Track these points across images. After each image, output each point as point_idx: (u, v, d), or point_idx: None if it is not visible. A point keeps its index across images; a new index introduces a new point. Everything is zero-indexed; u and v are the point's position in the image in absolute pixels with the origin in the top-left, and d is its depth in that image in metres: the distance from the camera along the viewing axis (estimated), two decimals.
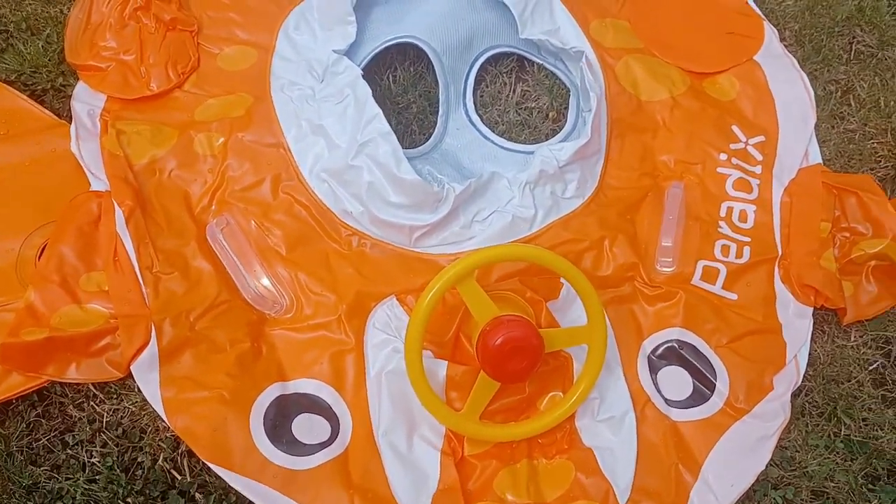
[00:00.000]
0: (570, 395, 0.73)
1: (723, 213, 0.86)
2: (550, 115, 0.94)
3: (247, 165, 0.81)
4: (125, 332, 0.72)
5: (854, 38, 1.04)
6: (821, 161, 0.91)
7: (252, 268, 0.77)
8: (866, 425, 0.80)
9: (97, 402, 0.73)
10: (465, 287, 0.69)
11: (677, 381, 0.78)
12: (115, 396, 0.74)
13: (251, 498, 0.68)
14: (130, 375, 0.72)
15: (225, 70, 0.88)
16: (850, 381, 0.82)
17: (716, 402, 0.77)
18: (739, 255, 0.83)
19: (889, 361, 0.84)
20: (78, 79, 0.86)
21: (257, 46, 0.89)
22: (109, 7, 0.87)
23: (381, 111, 0.78)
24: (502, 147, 0.90)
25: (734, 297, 0.82)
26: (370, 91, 0.79)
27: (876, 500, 0.76)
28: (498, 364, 0.68)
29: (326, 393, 0.74)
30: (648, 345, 0.79)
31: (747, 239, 0.84)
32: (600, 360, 0.72)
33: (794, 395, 0.80)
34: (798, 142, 0.91)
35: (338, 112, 0.80)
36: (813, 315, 0.82)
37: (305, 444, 0.71)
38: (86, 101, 0.84)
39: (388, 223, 0.78)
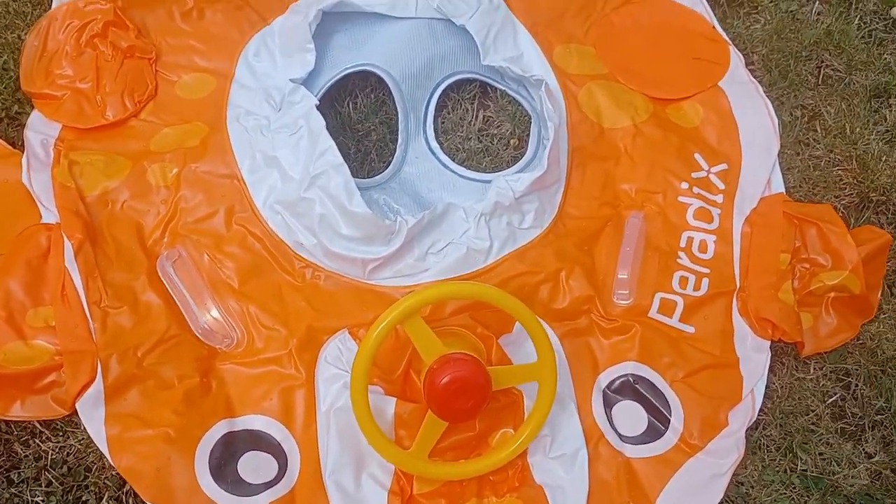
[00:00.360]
0: (520, 434, 0.72)
1: (683, 244, 0.85)
2: (512, 142, 0.93)
3: (200, 197, 0.81)
4: (70, 368, 0.71)
5: (822, 62, 1.03)
6: (783, 190, 0.90)
7: (203, 301, 0.77)
8: (823, 460, 0.79)
9: (42, 439, 0.73)
10: (411, 325, 0.68)
11: (632, 417, 0.77)
12: (60, 433, 0.73)
13: None
14: (77, 412, 0.72)
15: (183, 98, 0.87)
16: (808, 415, 0.81)
17: (670, 438, 0.76)
18: (698, 286, 0.83)
19: (848, 394, 0.83)
20: (33, 107, 0.86)
21: (216, 74, 0.88)
22: (66, 34, 0.87)
23: (333, 143, 0.77)
24: (461, 176, 0.89)
25: (691, 330, 0.81)
26: (324, 123, 0.78)
27: None
28: (445, 403, 0.68)
29: (275, 429, 0.73)
30: (604, 379, 0.79)
31: (706, 270, 0.84)
32: (550, 397, 0.71)
33: (751, 430, 0.79)
34: (761, 170, 0.90)
35: (291, 143, 0.80)
36: (771, 348, 0.82)
37: (251, 484, 0.70)
38: (40, 130, 0.84)
39: (340, 256, 0.78)
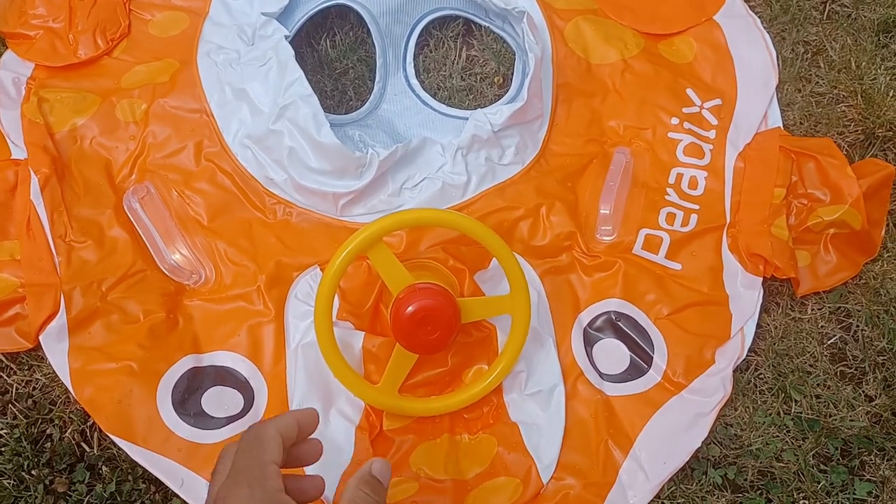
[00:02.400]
0: (493, 369, 0.69)
1: (672, 180, 0.82)
2: (496, 80, 0.90)
3: (169, 132, 0.79)
4: (33, 300, 0.70)
5: None
6: (781, 125, 0.86)
7: (171, 238, 0.75)
8: (820, 402, 0.75)
9: (8, 373, 0.72)
10: (377, 254, 0.65)
11: (613, 355, 0.74)
12: (26, 367, 0.72)
13: (152, 471, 0.66)
14: (41, 345, 0.71)
15: (156, 36, 0.85)
16: (803, 356, 0.77)
17: (653, 377, 0.73)
18: (685, 223, 0.79)
19: (849, 335, 0.79)
20: (7, 47, 0.85)
21: (190, 12, 0.86)
22: None
23: (302, 74, 0.75)
24: (440, 112, 0.86)
25: (678, 266, 0.77)
26: (293, 53, 0.76)
27: (825, 481, 0.72)
28: (411, 334, 0.65)
29: (244, 366, 0.71)
30: (585, 317, 0.75)
31: (695, 206, 0.80)
32: (524, 330, 0.68)
33: (742, 371, 0.76)
34: (757, 105, 0.86)
35: (261, 76, 0.77)
36: (765, 286, 0.78)
37: (213, 417, 0.68)
38: (12, 69, 0.82)
39: (311, 190, 0.75)
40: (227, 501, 0.43)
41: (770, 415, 0.74)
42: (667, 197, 0.80)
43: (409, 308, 0.64)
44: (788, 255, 0.76)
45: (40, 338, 0.70)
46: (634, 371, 0.73)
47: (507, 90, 0.89)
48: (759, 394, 0.75)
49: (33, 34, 0.84)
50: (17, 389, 0.71)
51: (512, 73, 0.90)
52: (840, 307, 0.80)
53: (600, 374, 0.73)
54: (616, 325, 0.75)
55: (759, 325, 0.77)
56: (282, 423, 0.47)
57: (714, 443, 0.72)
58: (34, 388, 0.72)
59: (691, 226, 0.79)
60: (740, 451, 0.73)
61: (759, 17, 0.93)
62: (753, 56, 0.89)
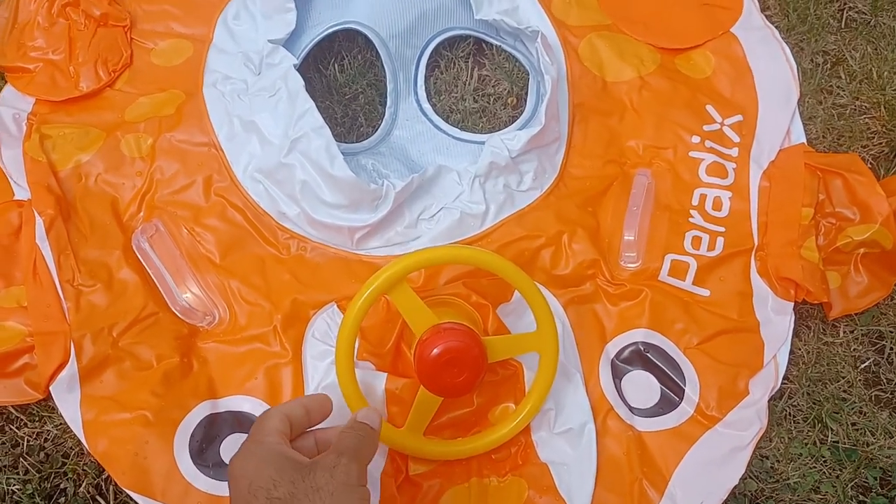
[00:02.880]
0: (521, 408, 0.67)
1: (695, 202, 0.79)
2: (510, 101, 0.87)
3: (176, 167, 0.76)
4: (42, 350, 0.67)
5: (845, 4, 0.95)
6: (805, 140, 0.83)
7: (181, 277, 0.72)
8: (856, 430, 0.73)
9: (18, 425, 0.69)
10: (399, 294, 0.63)
11: (643, 388, 0.72)
12: (37, 419, 0.69)
13: None
14: (51, 396, 0.68)
15: (159, 66, 0.83)
16: (838, 382, 0.75)
17: (685, 410, 0.70)
18: (712, 246, 0.76)
19: (883, 358, 0.77)
20: (6, 81, 0.82)
21: (194, 39, 0.84)
22: (37, 4, 0.82)
23: (313, 104, 0.72)
24: (455, 137, 0.84)
25: (706, 293, 0.75)
26: (303, 83, 0.73)
27: None
28: (436, 377, 0.62)
29: (261, 411, 0.69)
30: (612, 348, 0.73)
31: (721, 229, 0.77)
32: (552, 367, 0.66)
33: (776, 399, 0.73)
34: (779, 120, 0.83)
35: (270, 106, 0.75)
36: (796, 310, 0.75)
37: None
38: (12, 104, 0.80)
39: (325, 224, 0.73)
40: (232, 463, 0.51)
41: (807, 445, 0.72)
42: (691, 219, 0.78)
43: (434, 350, 0.62)
44: (820, 279, 0.74)
45: (51, 389, 0.67)
46: (666, 404, 0.71)
47: (521, 110, 0.86)
48: (795, 423, 0.73)
49: (33, 67, 0.81)
50: (28, 442, 0.69)
51: (525, 93, 0.88)
52: (872, 329, 0.77)
53: (630, 409, 0.71)
54: (645, 357, 0.72)
55: (790, 351, 0.75)
56: (287, 406, 0.55)
57: (750, 477, 0.70)
58: (46, 440, 0.69)
59: (718, 250, 0.76)
60: (777, 485, 0.70)
61: (776, 27, 0.91)
62: (773, 69, 0.86)
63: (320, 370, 0.70)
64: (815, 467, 0.71)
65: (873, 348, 0.77)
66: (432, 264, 0.66)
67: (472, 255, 0.64)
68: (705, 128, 0.83)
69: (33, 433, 0.69)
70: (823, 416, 0.73)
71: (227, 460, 0.66)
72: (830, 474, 0.71)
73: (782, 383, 0.73)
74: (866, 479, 0.71)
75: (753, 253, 0.76)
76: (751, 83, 0.86)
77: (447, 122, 0.86)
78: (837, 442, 0.72)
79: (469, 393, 0.65)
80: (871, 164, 0.85)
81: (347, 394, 0.64)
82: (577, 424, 0.69)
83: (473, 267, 0.68)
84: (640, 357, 0.72)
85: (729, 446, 0.69)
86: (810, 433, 0.73)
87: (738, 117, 0.83)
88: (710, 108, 0.84)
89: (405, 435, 0.66)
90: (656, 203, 0.79)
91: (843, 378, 0.75)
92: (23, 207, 0.73)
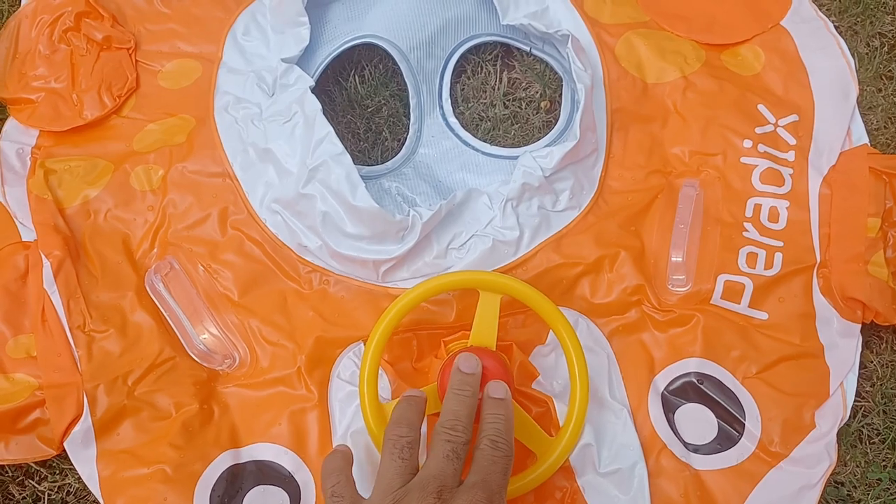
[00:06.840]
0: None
1: (749, 213, 0.73)
2: (542, 105, 0.81)
3: (190, 200, 0.72)
4: (54, 405, 0.64)
5: None
6: (867, 141, 0.76)
7: (198, 318, 0.68)
8: None
9: (38, 479, 0.66)
10: (486, 301, 0.61)
11: (699, 422, 0.66)
12: (57, 472, 0.66)
13: None
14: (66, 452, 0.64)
15: (167, 89, 0.78)
16: None
17: (746, 446, 0.65)
18: (769, 264, 0.70)
19: None
20: (8, 114, 0.78)
21: (201, 59, 0.79)
22: (37, 32, 0.78)
23: (332, 130, 0.67)
24: (485, 153, 0.78)
25: (764, 316, 0.68)
26: (320, 107, 0.68)
27: None
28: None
29: (287, 459, 0.65)
30: (661, 380, 0.67)
31: (779, 244, 0.71)
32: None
33: (849, 419, 0.67)
34: (838, 120, 0.76)
35: (286, 133, 0.70)
36: (863, 333, 0.69)
37: None
38: (15, 139, 0.76)
39: (349, 257, 0.68)
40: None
41: (886, 468, 0.66)
42: (745, 234, 0.71)
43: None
44: (890, 299, 0.67)
45: (65, 445, 0.64)
46: (725, 440, 0.65)
47: (556, 114, 0.80)
48: (871, 445, 0.67)
49: (35, 97, 0.77)
50: (49, 497, 0.65)
51: (559, 95, 0.82)
52: None
53: (685, 445, 0.65)
54: (699, 389, 0.66)
55: (862, 365, 0.68)
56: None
57: None
58: (68, 493, 0.66)
59: (776, 268, 0.70)
60: None
61: (827, 9, 0.84)
62: (829, 64, 0.79)
63: (348, 414, 0.65)
64: None
65: None
66: (449, 289, 0.62)
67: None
68: (758, 130, 0.76)
69: (54, 487, 0.66)
70: None
71: None
72: None
73: (855, 400, 0.67)
74: None
75: (815, 270, 0.70)
76: (805, 80, 0.78)
77: (477, 132, 0.80)
78: None
79: None
80: None
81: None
82: (626, 464, 0.63)
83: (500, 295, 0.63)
84: (694, 389, 0.67)
85: (797, 485, 0.63)
86: (889, 455, 0.66)
87: (794, 117, 0.76)
88: (761, 107, 0.77)
89: None
90: (706, 216, 0.72)
91: None
92: (29, 249, 0.69)
